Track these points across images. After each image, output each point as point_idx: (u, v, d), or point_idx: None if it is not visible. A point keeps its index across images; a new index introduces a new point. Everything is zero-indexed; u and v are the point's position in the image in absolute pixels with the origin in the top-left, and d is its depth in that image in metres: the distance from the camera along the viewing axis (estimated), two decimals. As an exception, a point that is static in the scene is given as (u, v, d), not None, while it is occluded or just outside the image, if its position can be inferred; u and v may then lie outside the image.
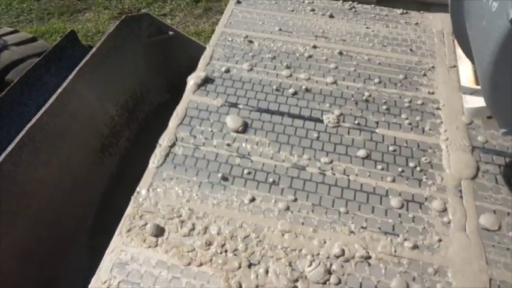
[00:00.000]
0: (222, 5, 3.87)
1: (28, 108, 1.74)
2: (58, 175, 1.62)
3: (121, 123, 2.05)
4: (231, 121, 1.30)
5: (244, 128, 1.30)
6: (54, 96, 1.58)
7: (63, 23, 3.76)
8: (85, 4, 4.00)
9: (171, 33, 2.19)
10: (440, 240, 1.04)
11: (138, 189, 1.16)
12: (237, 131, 1.28)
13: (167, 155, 1.24)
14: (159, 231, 1.05)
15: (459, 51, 1.02)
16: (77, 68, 1.71)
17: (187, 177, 1.19)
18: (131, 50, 2.05)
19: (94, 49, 1.82)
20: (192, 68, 2.20)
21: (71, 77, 1.67)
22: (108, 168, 1.96)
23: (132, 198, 1.14)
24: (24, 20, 3.80)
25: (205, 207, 1.12)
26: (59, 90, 1.60)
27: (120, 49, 1.97)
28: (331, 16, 1.73)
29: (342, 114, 1.35)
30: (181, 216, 1.10)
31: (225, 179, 1.17)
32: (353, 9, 1.78)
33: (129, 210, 1.11)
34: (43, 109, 1.52)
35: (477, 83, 0.93)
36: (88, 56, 1.77)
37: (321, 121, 1.33)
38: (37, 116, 1.50)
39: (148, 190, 1.15)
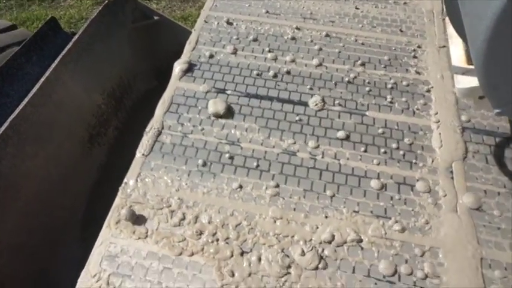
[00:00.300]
0: (209, -12, 3.78)
1: (10, 99, 1.68)
2: (45, 167, 1.58)
3: (108, 112, 2.01)
4: (212, 105, 1.27)
5: (228, 112, 1.27)
6: (37, 86, 1.53)
7: (45, 9, 3.64)
8: (67, -11, 3.86)
9: (156, 17, 2.13)
10: (428, 223, 1.04)
11: (125, 179, 1.13)
12: (219, 116, 1.25)
13: (154, 144, 1.21)
14: (135, 219, 1.03)
15: (450, 30, 1.00)
16: (60, 56, 1.65)
17: (176, 166, 1.16)
18: (116, 36, 2.00)
19: (76, 36, 1.76)
20: (180, 53, 2.15)
21: (53, 65, 1.61)
22: (97, 158, 1.93)
23: (120, 189, 1.11)
24: (3, 7, 3.66)
25: (195, 196, 1.10)
26: (42, 80, 1.55)
27: (104, 35, 1.91)
28: None
29: (331, 97, 1.33)
30: (170, 206, 1.08)
31: (204, 164, 1.15)
32: None
33: (117, 201, 1.09)
34: (26, 99, 1.47)
35: (469, 63, 0.91)
36: (71, 44, 1.71)
37: (309, 105, 1.31)
38: (20, 107, 1.44)
39: (137, 180, 1.13)
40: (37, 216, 1.54)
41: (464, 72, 0.90)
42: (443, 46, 1.47)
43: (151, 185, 1.12)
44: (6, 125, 1.39)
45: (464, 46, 0.92)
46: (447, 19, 1.55)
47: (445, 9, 0.95)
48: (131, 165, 1.16)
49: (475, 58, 0.72)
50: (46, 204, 1.59)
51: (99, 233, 1.02)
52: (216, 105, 1.27)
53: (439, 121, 1.25)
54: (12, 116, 1.41)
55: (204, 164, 1.16)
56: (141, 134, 1.24)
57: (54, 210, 1.63)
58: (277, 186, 1.12)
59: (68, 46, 1.71)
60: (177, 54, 2.19)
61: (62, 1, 3.76)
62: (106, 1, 1.93)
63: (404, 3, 1.67)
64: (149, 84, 2.35)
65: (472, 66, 0.89)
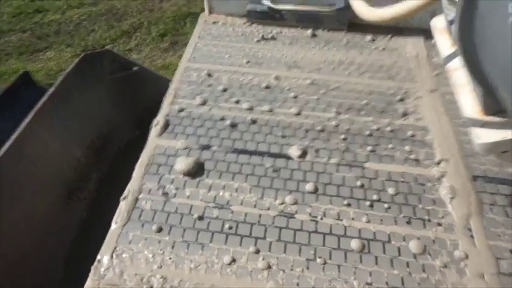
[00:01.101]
0: (189, 38, 3.79)
1: (-18, 157, 1.56)
2: (21, 229, 1.44)
3: (88, 164, 1.89)
4: (180, 163, 1.15)
5: (197, 169, 1.16)
6: (8, 142, 1.42)
7: (22, 62, 3.58)
8: (45, 42, 3.84)
9: (135, 68, 2.08)
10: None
11: (99, 256, 0.97)
12: (187, 174, 1.13)
13: (132, 211, 1.06)
14: None
15: (454, 79, 0.92)
16: (34, 110, 1.57)
17: (157, 236, 1.01)
18: (93, 88, 1.93)
19: (52, 89, 1.69)
20: (160, 103, 2.09)
21: (27, 120, 1.52)
22: (78, 213, 1.79)
23: (92, 269, 0.95)
24: (-21, 61, 3.58)
25: (181, 273, 0.94)
26: (15, 136, 1.45)
27: (81, 87, 1.85)
28: (301, 46, 1.64)
29: (325, 149, 1.22)
30: (152, 287, 0.91)
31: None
32: (324, 38, 1.70)
33: (88, 283, 0.92)
34: None
35: (486, 113, 0.82)
36: (45, 97, 1.64)
37: (306, 156, 1.20)
38: None
39: (112, 257, 0.96)
40: (10, 284, 1.37)
41: (483, 124, 0.81)
42: (435, 89, 1.42)
43: (129, 261, 0.96)
44: None
45: (477, 95, 0.84)
46: (434, 64, 1.52)
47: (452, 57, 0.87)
48: (105, 238, 1.00)
49: (507, 98, 0.63)
50: (22, 270, 1.43)
51: None
52: (184, 162, 1.14)
53: (445, 171, 1.15)
54: None
55: (191, 234, 1.01)
56: (123, 186, 1.10)
57: (31, 275, 1.47)
58: (276, 257, 0.97)
59: (43, 99, 1.62)
60: (158, 104, 2.13)
61: (41, 54, 3.72)
62: (83, 54, 1.89)
63: (390, 49, 1.63)
64: (131, 134, 2.27)
65: (490, 118, 0.80)
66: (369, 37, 1.69)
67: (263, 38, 1.68)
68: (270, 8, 1.72)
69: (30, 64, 3.61)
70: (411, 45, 1.65)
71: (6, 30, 4.02)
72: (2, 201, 1.37)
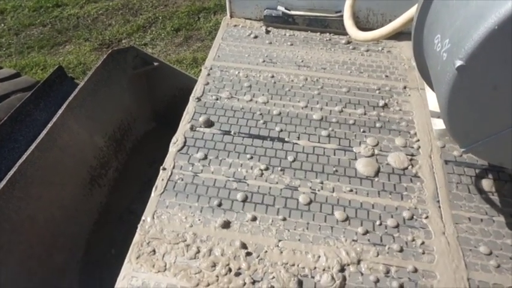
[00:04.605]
0: (202, 33, 4.01)
1: (18, 144, 1.75)
2: (49, 209, 1.64)
3: (109, 153, 2.09)
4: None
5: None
6: (44, 132, 1.61)
7: (44, 56, 3.78)
8: (65, 36, 4.04)
9: (156, 63, 2.27)
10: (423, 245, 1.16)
11: (143, 217, 1.22)
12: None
13: (167, 183, 1.31)
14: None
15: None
16: (66, 103, 1.75)
17: (188, 203, 1.26)
18: (118, 82, 2.12)
19: (82, 83, 1.88)
20: (176, 96, 2.29)
21: (60, 111, 1.71)
22: (98, 199, 1.99)
23: (139, 226, 1.20)
24: (3, 54, 3.80)
25: (208, 230, 1.19)
26: (49, 125, 1.64)
27: (107, 82, 2.03)
28: (311, 47, 1.89)
29: (326, 136, 1.47)
30: (186, 240, 1.17)
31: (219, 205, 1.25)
32: (330, 41, 1.93)
33: (136, 237, 1.17)
34: (34, 144, 1.54)
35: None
36: (76, 91, 1.82)
37: (309, 142, 1.44)
38: (28, 152, 1.51)
39: (153, 218, 1.22)
40: (39, 258, 1.57)
41: (439, 115, 1.07)
42: (422, 88, 1.65)
43: (167, 221, 1.21)
44: (14, 169, 1.45)
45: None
46: None
47: (414, 62, 1.15)
48: (147, 203, 1.25)
49: (440, 111, 0.91)
50: (48, 246, 1.62)
51: (101, 273, 1.07)
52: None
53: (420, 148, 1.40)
54: (20, 161, 1.48)
55: (215, 201, 1.26)
56: (139, 174, 1.31)
57: (55, 252, 1.67)
58: (284, 219, 1.22)
59: (74, 92, 1.81)
60: (174, 97, 2.33)
61: (61, 48, 3.92)
62: (109, 50, 2.07)
63: (388, 51, 1.87)
64: (148, 125, 2.45)
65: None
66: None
67: (277, 40, 1.93)
68: (284, 13, 1.96)
69: (51, 57, 3.80)
70: (406, 48, 1.88)
71: (28, 24, 4.18)
72: (37, 184, 1.55)
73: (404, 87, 1.67)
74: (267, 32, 1.98)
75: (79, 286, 1.76)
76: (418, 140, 1.45)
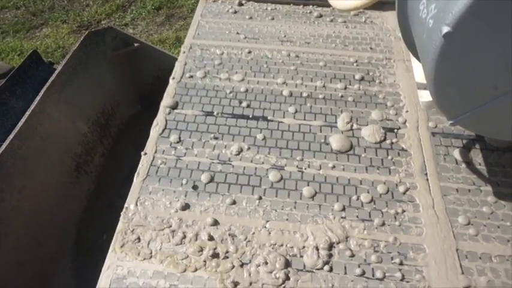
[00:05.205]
0: (184, 11, 3.88)
1: (-4, 134, 1.70)
2: (35, 200, 1.60)
3: (94, 139, 2.05)
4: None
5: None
6: (23, 120, 1.55)
7: (20, 40, 3.64)
8: (41, 19, 3.88)
9: (136, 44, 2.20)
10: (412, 221, 1.15)
11: (126, 204, 1.19)
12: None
13: (150, 168, 1.27)
14: None
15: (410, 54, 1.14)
16: (44, 89, 1.68)
17: (172, 188, 1.23)
18: (97, 65, 2.05)
19: (59, 68, 1.80)
20: (160, 78, 2.23)
21: (38, 98, 1.64)
22: (85, 186, 1.97)
23: (122, 214, 1.17)
24: (-23, 40, 3.65)
25: (193, 215, 1.17)
26: (28, 113, 1.58)
27: (86, 65, 1.96)
28: (294, 21, 1.82)
29: (311, 113, 1.44)
30: (171, 226, 1.14)
31: (195, 187, 1.23)
32: (314, 13, 1.87)
33: (120, 226, 1.14)
34: (13, 134, 1.49)
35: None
36: (54, 76, 1.75)
37: (294, 119, 1.41)
38: (7, 142, 1.46)
39: (137, 204, 1.19)
40: (28, 249, 1.55)
41: (425, 87, 1.03)
42: (408, 60, 1.62)
43: (151, 207, 1.18)
44: None
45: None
46: None
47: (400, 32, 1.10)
48: (130, 190, 1.22)
49: (427, 82, 0.87)
50: (36, 236, 1.60)
51: (94, 260, 1.06)
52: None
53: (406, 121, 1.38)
54: None
55: (199, 184, 1.23)
56: (126, 159, 1.28)
57: (45, 241, 1.65)
58: (269, 200, 1.20)
59: (52, 78, 1.74)
60: (158, 79, 2.27)
61: (38, 31, 3.78)
62: (86, 31, 1.99)
63: (372, 22, 1.81)
64: (132, 109, 2.41)
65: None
66: (355, 11, 1.85)
67: (259, 15, 1.85)
68: None
69: (28, 42, 3.66)
70: (391, 19, 1.83)
71: (0, 8, 4.01)
72: (19, 174, 1.51)
73: (390, 59, 1.63)
74: (240, 4, 1.90)
75: (73, 273, 1.76)
76: (406, 112, 1.42)
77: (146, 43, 2.28)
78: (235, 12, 1.87)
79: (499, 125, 0.87)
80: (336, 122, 1.41)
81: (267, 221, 1.15)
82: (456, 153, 1.30)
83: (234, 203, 1.19)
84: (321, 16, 1.84)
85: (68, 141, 1.84)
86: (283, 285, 1.03)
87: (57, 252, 1.71)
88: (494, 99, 0.80)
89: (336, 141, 1.33)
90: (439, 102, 0.90)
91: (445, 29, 0.73)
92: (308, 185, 1.23)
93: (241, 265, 1.07)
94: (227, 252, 1.09)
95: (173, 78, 1.56)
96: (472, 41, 0.73)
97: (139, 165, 1.27)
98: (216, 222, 1.15)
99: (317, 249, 1.09)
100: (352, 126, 1.39)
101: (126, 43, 2.19)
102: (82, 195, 1.94)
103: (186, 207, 1.18)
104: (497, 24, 0.70)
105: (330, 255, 1.08)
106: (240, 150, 1.32)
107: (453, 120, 0.90)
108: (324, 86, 1.52)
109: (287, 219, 1.16)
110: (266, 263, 1.06)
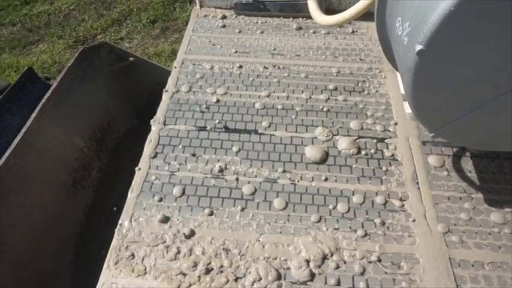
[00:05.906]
0: (179, 23, 3.90)
1: (-8, 152, 1.71)
2: (31, 216, 1.60)
3: (90, 154, 2.05)
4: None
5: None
6: (19, 137, 1.56)
7: (16, 57, 3.66)
8: (37, 35, 3.90)
9: (131, 59, 2.21)
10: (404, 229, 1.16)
11: (120, 221, 1.20)
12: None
13: (143, 184, 1.28)
14: None
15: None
16: (40, 105, 1.70)
17: (166, 203, 1.24)
18: (93, 80, 2.06)
19: (55, 84, 1.82)
20: (156, 91, 2.24)
21: (34, 115, 1.65)
22: (83, 201, 1.96)
23: (116, 230, 1.18)
24: (-27, 57, 3.67)
25: (187, 230, 1.18)
26: (24, 130, 1.59)
27: (82, 81, 1.97)
28: (284, 34, 1.84)
29: (313, 125, 1.45)
30: (165, 241, 1.15)
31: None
32: (304, 26, 1.89)
33: (114, 243, 1.15)
34: (9, 151, 1.50)
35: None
36: (49, 92, 1.77)
37: (286, 133, 1.43)
38: (3, 159, 1.47)
39: (131, 221, 1.20)
40: (25, 266, 1.54)
41: None
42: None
43: (145, 223, 1.19)
44: None
45: None
46: None
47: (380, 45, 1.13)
48: (124, 206, 1.23)
49: (405, 94, 0.89)
50: (34, 253, 1.59)
51: (92, 275, 1.07)
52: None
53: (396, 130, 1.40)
54: None
55: (193, 200, 1.24)
56: (123, 173, 1.28)
57: (42, 258, 1.64)
58: (263, 214, 1.21)
59: (47, 94, 1.75)
60: (154, 93, 2.28)
61: (34, 47, 3.80)
62: (81, 47, 2.01)
63: (362, 33, 1.84)
64: (129, 123, 2.41)
65: None
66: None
67: (249, 29, 1.88)
68: (254, 0, 1.90)
69: (24, 58, 3.68)
70: None
71: (-4, 24, 4.03)
72: (15, 191, 1.51)
73: (379, 69, 1.65)
74: (238, 21, 1.92)
75: (71, 289, 1.75)
76: (396, 124, 1.44)
77: (141, 57, 2.29)
78: (224, 26, 1.90)
79: (479, 136, 0.89)
80: (330, 133, 1.42)
81: (261, 234, 1.16)
82: (447, 162, 1.31)
83: (227, 217, 1.20)
84: (310, 29, 1.87)
85: (64, 156, 1.85)
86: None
87: (55, 269, 1.70)
88: (471, 111, 0.81)
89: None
90: (419, 116, 0.92)
91: (418, 47, 0.75)
92: (301, 197, 1.24)
93: (236, 279, 1.07)
94: (221, 266, 1.10)
95: (166, 93, 1.58)
96: (445, 57, 0.76)
97: (133, 182, 1.28)
98: (209, 237, 1.15)
99: (308, 262, 1.09)
100: (336, 137, 1.41)
101: (121, 58, 2.21)
102: (80, 210, 1.93)
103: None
104: (467, 41, 0.72)
105: (323, 267, 1.09)
106: (238, 164, 1.33)
107: (434, 132, 0.92)
108: (310, 98, 1.54)
109: (280, 233, 1.17)
110: (260, 276, 1.07)
